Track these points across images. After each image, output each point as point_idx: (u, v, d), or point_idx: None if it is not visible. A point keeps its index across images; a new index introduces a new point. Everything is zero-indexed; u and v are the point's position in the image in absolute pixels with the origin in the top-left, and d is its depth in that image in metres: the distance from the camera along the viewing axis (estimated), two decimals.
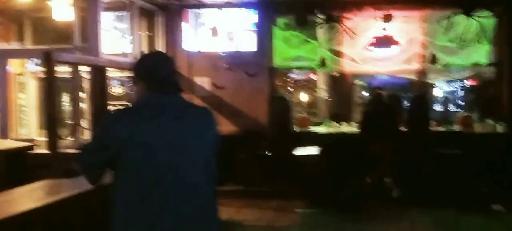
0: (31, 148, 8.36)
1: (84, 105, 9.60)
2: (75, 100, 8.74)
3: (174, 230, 2.70)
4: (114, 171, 2.77)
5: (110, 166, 2.76)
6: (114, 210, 2.74)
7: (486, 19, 9.79)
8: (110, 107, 9.65)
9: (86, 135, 9.01)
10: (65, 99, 10.33)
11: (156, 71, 2.82)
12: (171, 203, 2.68)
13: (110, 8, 9.94)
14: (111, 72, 10.14)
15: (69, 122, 9.25)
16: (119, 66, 10.08)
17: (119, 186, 2.74)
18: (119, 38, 10.49)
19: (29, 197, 3.99)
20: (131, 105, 3.29)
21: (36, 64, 10.32)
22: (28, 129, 10.75)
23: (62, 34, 9.94)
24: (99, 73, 8.64)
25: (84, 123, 9.27)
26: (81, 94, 9.38)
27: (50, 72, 7.24)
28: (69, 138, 8.54)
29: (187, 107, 2.91)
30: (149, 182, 2.67)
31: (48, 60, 7.20)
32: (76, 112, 8.67)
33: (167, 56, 3.00)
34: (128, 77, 10.89)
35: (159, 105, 2.78)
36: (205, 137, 2.86)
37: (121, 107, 9.80)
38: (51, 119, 7.33)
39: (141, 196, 2.67)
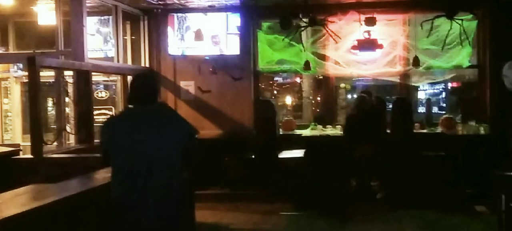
0: (15, 153, 8.32)
1: (68, 110, 9.57)
2: (59, 105, 8.71)
3: (143, 201, 3.77)
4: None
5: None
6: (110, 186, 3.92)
7: (468, 22, 9.87)
8: (95, 112, 9.64)
9: (71, 140, 8.97)
10: (50, 104, 10.29)
11: (136, 90, 3.97)
12: (142, 181, 3.77)
13: (94, 12, 9.93)
14: (96, 77, 10.12)
15: (53, 126, 9.21)
16: (104, 71, 10.06)
17: (111, 172, 3.93)
18: (103, 42, 10.46)
19: (13, 202, 3.98)
20: (118, 113, 4.63)
21: (20, 69, 10.28)
22: (12, 134, 10.71)
23: (46, 38, 9.92)
24: (83, 77, 8.61)
25: (69, 128, 9.24)
26: (65, 98, 9.34)
27: (34, 77, 7.21)
28: (54, 143, 8.50)
29: (155, 113, 3.95)
30: (125, 167, 3.81)
31: (32, 65, 7.17)
32: (61, 117, 8.63)
33: (146, 77, 4.29)
34: (113, 81, 10.90)
35: (135, 113, 3.97)
36: (169, 131, 3.88)
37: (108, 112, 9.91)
38: (35, 123, 7.29)
39: (121, 177, 3.83)
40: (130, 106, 4.04)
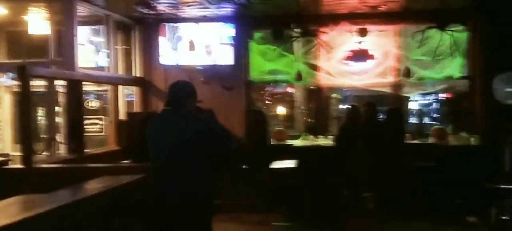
0: (5, 162, 8.27)
1: (59, 120, 9.53)
2: (50, 115, 8.68)
3: (169, 186, 4.44)
4: None
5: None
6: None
7: (459, 33, 9.94)
8: (86, 122, 9.61)
9: (62, 149, 8.94)
10: (40, 113, 10.25)
11: (169, 95, 4.68)
12: (168, 171, 4.45)
13: (86, 22, 9.91)
14: (87, 86, 10.10)
15: (44, 136, 9.17)
16: (95, 80, 10.04)
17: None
18: (95, 52, 10.44)
19: (3, 212, 3.95)
20: (156, 113, 5.41)
21: (11, 78, 10.23)
22: (2, 143, 10.65)
23: (37, 48, 9.89)
24: (74, 87, 8.59)
25: (60, 137, 9.20)
26: (56, 108, 9.31)
27: (25, 86, 7.18)
28: (44, 153, 8.46)
29: (180, 116, 4.55)
30: (155, 158, 4.55)
31: (23, 74, 7.14)
32: (52, 127, 8.60)
33: (178, 84, 4.77)
34: (105, 90, 10.87)
35: (164, 115, 4.69)
36: (186, 133, 4.42)
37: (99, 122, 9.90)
38: (25, 133, 7.25)
39: (154, 164, 4.57)
40: (164, 108, 4.72)
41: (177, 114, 4.58)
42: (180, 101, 4.62)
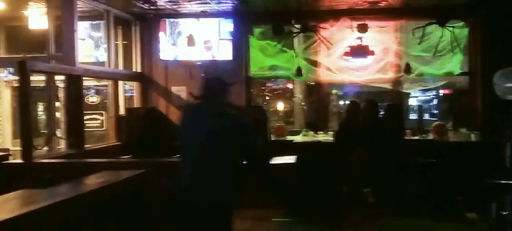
0: (5, 157, 8.26)
1: (59, 115, 9.52)
2: (50, 110, 8.66)
3: (199, 174, 4.58)
4: None
5: None
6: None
7: (459, 30, 9.93)
8: (86, 117, 9.60)
9: (62, 145, 8.93)
10: (40, 108, 10.23)
11: (201, 88, 4.81)
12: (198, 163, 4.58)
13: (85, 17, 9.90)
14: (87, 81, 10.08)
15: (44, 131, 9.16)
16: (95, 75, 10.03)
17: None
18: (94, 47, 10.43)
19: (3, 207, 3.95)
20: (189, 105, 5.32)
21: (11, 73, 10.23)
22: (2, 138, 10.64)
23: (37, 43, 9.87)
24: (74, 82, 8.57)
25: (59, 132, 9.19)
26: (56, 103, 9.30)
27: (24, 81, 7.16)
28: (44, 148, 8.45)
29: (209, 108, 4.71)
30: (187, 149, 4.73)
31: (22, 69, 7.12)
32: (51, 122, 8.58)
33: (210, 79, 4.95)
34: (104, 86, 10.86)
35: (196, 107, 4.85)
36: (216, 126, 4.57)
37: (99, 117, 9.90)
38: (25, 128, 7.24)
39: (185, 157, 4.75)
40: (196, 102, 4.88)
41: (208, 108, 4.73)
42: (211, 95, 4.77)
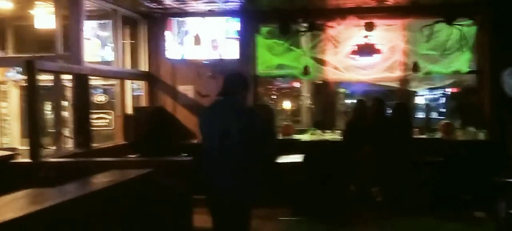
0: (13, 156, 8.28)
1: (66, 114, 9.54)
2: (57, 109, 8.69)
3: (219, 171, 4.76)
4: None
5: None
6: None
7: (467, 28, 9.88)
8: (93, 116, 9.63)
9: (69, 144, 8.95)
10: (48, 107, 10.27)
11: (222, 85, 4.93)
12: (217, 159, 4.75)
13: (92, 16, 9.91)
14: (94, 81, 10.10)
15: (51, 130, 9.19)
16: (102, 75, 10.05)
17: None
18: (101, 46, 10.44)
19: (11, 206, 3.96)
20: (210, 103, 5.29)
21: (19, 73, 10.26)
22: (10, 137, 10.68)
23: (44, 42, 9.91)
24: (81, 81, 8.59)
25: (67, 132, 9.22)
26: (63, 102, 9.32)
27: (32, 80, 7.18)
28: (52, 147, 8.47)
29: (230, 105, 4.83)
30: (207, 146, 4.86)
31: (30, 69, 7.14)
32: (59, 121, 8.61)
33: (231, 76, 5.03)
34: (112, 85, 10.88)
35: (217, 103, 4.98)
36: (235, 123, 4.70)
37: (107, 116, 9.91)
38: (33, 127, 7.26)
39: (205, 152, 4.86)
40: (216, 98, 5.02)
41: (227, 104, 4.86)
42: (231, 92, 4.88)
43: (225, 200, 4.81)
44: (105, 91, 11.78)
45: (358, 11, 10.04)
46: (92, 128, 8.99)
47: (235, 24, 10.38)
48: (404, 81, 10.48)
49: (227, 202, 4.81)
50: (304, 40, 10.51)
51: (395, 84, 10.62)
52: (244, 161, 4.76)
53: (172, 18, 10.47)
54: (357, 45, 10.13)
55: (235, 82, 4.97)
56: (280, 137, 10.43)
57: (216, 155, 4.77)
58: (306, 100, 11.41)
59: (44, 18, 9.74)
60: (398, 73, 10.34)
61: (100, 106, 11.40)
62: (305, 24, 10.08)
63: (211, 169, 4.83)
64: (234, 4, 9.90)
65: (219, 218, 4.97)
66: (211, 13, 10.32)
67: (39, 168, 6.95)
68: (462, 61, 10.09)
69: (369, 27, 9.96)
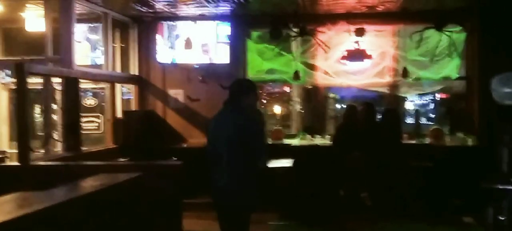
0: (2, 160, 8.25)
1: (56, 117, 9.50)
2: (47, 112, 8.65)
3: (225, 177, 4.92)
4: None
5: None
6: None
7: (456, 34, 9.95)
8: (83, 119, 9.59)
9: (59, 147, 8.91)
10: (37, 111, 10.22)
11: (229, 92, 5.08)
12: (225, 159, 4.89)
13: (83, 19, 9.89)
14: (84, 84, 10.07)
15: (41, 133, 9.15)
16: (92, 78, 10.01)
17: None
18: (91, 50, 10.42)
19: None
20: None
21: (8, 76, 10.21)
22: None
23: (34, 45, 9.86)
24: (71, 84, 8.57)
25: (56, 135, 9.18)
26: (53, 106, 9.28)
27: (22, 83, 7.15)
28: (41, 150, 8.44)
29: (233, 111, 4.98)
30: (213, 148, 5.04)
31: (20, 72, 7.11)
32: (48, 124, 8.57)
33: (235, 83, 5.19)
34: (102, 88, 10.85)
35: (222, 110, 5.12)
36: (235, 126, 4.86)
37: (96, 120, 9.89)
38: (22, 130, 7.23)
39: (211, 156, 5.06)
40: (224, 103, 5.16)
41: (231, 109, 5.03)
42: (235, 97, 5.05)
43: (231, 204, 5.00)
44: (95, 95, 11.74)
45: (349, 17, 10.07)
46: (81, 131, 8.96)
47: (226, 29, 10.38)
48: (394, 86, 10.53)
49: (233, 207, 5.01)
50: (295, 45, 10.54)
51: (385, 90, 10.66)
52: (248, 166, 4.92)
53: (163, 22, 10.46)
54: (348, 50, 10.17)
55: (236, 88, 5.11)
56: (270, 141, 10.43)
57: (224, 161, 4.91)
58: (296, 105, 11.42)
59: (35, 21, 9.71)
60: (388, 78, 10.39)
61: (90, 109, 11.36)
62: (295, 29, 10.11)
63: (219, 175, 4.98)
64: (225, 9, 9.90)
65: (226, 221, 5.17)
66: (202, 17, 10.32)
67: (28, 171, 6.92)
68: (452, 68, 10.15)
69: (360, 32, 10.01)
